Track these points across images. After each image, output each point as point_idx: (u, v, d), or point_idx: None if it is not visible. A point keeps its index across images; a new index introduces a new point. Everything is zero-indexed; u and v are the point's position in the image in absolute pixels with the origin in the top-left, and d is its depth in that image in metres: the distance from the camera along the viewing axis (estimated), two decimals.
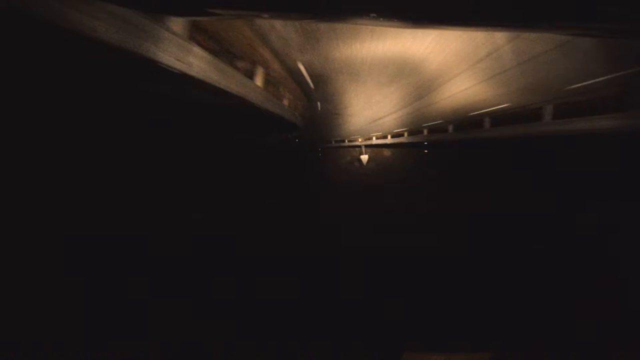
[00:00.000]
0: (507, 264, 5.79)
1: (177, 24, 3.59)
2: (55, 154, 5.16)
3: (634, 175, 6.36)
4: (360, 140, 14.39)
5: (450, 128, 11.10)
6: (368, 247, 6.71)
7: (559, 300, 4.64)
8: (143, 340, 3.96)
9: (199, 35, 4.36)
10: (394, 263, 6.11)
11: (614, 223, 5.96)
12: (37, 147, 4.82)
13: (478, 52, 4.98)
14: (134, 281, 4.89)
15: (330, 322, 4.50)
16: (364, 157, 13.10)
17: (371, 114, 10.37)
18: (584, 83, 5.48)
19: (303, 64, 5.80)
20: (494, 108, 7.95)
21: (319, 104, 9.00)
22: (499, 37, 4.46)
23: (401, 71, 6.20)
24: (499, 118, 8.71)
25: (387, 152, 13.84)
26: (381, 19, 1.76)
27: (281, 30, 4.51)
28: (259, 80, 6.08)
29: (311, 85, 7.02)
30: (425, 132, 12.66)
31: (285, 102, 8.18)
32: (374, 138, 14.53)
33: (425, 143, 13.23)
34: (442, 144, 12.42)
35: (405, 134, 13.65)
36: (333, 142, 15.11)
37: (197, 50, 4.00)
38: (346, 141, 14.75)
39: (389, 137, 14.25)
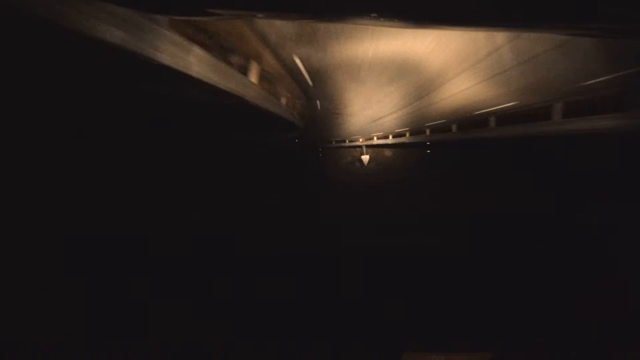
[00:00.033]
0: (508, 263, 5.79)
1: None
2: (55, 154, 5.16)
3: (634, 175, 6.36)
4: (361, 140, 14.37)
5: (454, 128, 11.05)
6: (368, 247, 6.71)
7: (560, 300, 4.64)
8: (143, 340, 3.96)
9: (188, 29, 4.23)
10: (395, 263, 6.11)
11: (614, 223, 5.96)
12: (37, 147, 4.82)
13: (488, 45, 4.90)
14: (134, 281, 4.89)
15: (331, 322, 4.50)
16: (365, 158, 13.04)
17: (372, 113, 10.36)
18: (584, 83, 5.48)
19: (300, 60, 5.61)
20: (500, 107, 7.86)
21: (318, 102, 8.90)
22: (504, 33, 4.42)
23: (402, 69, 6.16)
24: (504, 117, 8.63)
25: (388, 152, 13.81)
26: (382, 19, 1.76)
27: (276, 23, 4.47)
28: (253, 76, 5.88)
29: (310, 82, 6.84)
30: (428, 132, 12.64)
31: (283, 100, 8.02)
32: (375, 138, 14.48)
33: (428, 143, 13.18)
34: (445, 144, 12.39)
35: (407, 134, 13.61)
36: (333, 143, 15.07)
37: (197, 50, 4.00)
38: (347, 141, 14.73)
39: (391, 137, 14.19)
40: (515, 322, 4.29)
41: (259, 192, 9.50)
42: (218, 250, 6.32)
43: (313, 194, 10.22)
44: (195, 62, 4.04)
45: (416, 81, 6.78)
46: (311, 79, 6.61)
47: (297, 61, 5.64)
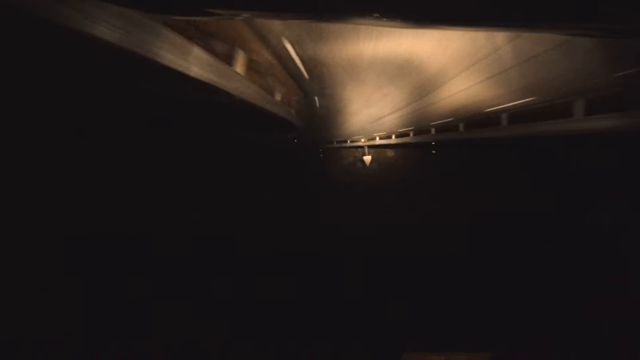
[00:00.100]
0: (513, 263, 5.78)
1: None
2: (55, 154, 5.16)
3: (635, 174, 6.35)
4: (363, 140, 14.07)
5: (461, 126, 10.69)
6: (369, 247, 6.71)
7: (566, 299, 4.64)
8: (143, 340, 3.96)
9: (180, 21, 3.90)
10: (395, 263, 6.11)
11: (617, 222, 5.95)
12: (37, 146, 4.82)
13: (494, 41, 4.80)
14: (134, 281, 4.89)
15: (331, 322, 4.50)
16: (367, 158, 12.89)
17: (373, 112, 10.12)
18: (585, 83, 5.48)
19: (293, 48, 5.04)
20: (515, 103, 7.50)
21: (316, 99, 8.51)
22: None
23: (404, 65, 5.98)
24: (517, 115, 8.25)
25: (390, 153, 13.72)
26: (384, 19, 1.76)
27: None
28: (239, 67, 5.28)
29: (305, 75, 6.27)
30: (433, 131, 12.35)
31: (278, 96, 7.47)
32: (377, 138, 14.26)
33: (433, 143, 12.92)
34: (452, 144, 12.06)
35: (411, 134, 13.38)
36: (334, 143, 14.86)
37: (196, 50, 4.01)
38: (348, 141, 14.40)
39: (394, 137, 13.97)
40: (517, 322, 4.29)
41: (260, 192, 9.50)
42: (218, 249, 6.31)
43: (314, 194, 10.21)
44: (195, 61, 4.05)
45: (419, 77, 6.56)
46: (306, 70, 6.01)
47: (288, 47, 5.01)
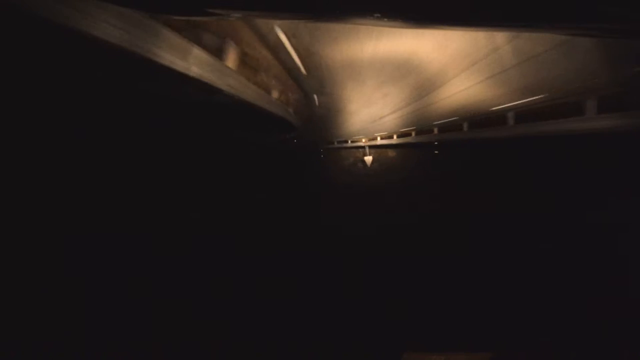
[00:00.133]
0: (513, 263, 5.78)
1: None
2: (55, 154, 5.16)
3: (636, 174, 6.35)
4: (364, 140, 13.90)
5: (465, 126, 10.49)
6: (369, 247, 6.71)
7: (567, 299, 4.64)
8: (143, 340, 3.96)
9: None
10: (395, 263, 6.11)
11: (622, 222, 5.94)
12: (37, 146, 4.82)
13: (494, 41, 4.75)
14: (134, 281, 4.89)
15: (331, 322, 4.50)
16: (368, 159, 12.79)
17: (374, 111, 9.92)
18: (585, 83, 5.48)
19: (288, 40, 4.69)
20: (521, 102, 7.26)
21: (316, 97, 8.22)
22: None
23: (405, 65, 5.88)
24: (524, 114, 7.94)
25: (391, 153, 13.65)
26: (385, 19, 1.76)
27: None
28: (231, 61, 4.88)
29: (303, 71, 5.91)
30: (436, 130, 12.16)
31: (275, 94, 7.10)
32: (378, 138, 14.10)
33: (436, 143, 12.71)
34: (455, 144, 11.81)
35: (413, 134, 13.23)
36: (335, 143, 14.73)
37: (196, 50, 4.01)
38: (349, 142, 14.23)
39: (395, 137, 13.82)
40: (520, 322, 4.29)
41: (260, 192, 9.49)
42: (218, 249, 6.31)
43: (314, 195, 10.21)
44: (194, 61, 4.05)
45: (420, 77, 6.48)
46: (304, 66, 5.65)
47: (284, 41, 4.67)
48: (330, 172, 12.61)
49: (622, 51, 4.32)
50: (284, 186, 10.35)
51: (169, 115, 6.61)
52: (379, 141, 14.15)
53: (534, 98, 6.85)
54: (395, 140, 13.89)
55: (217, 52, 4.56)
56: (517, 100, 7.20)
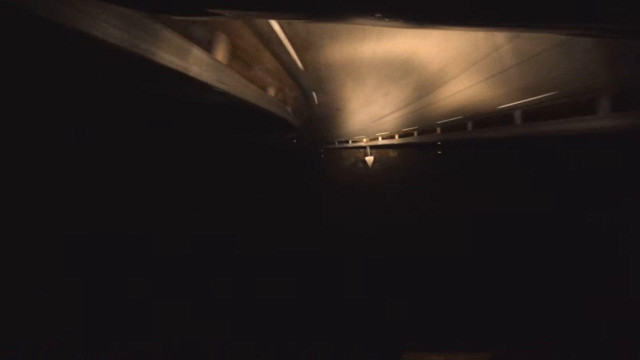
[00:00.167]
0: (513, 263, 5.78)
1: None
2: (55, 154, 5.15)
3: (636, 174, 6.35)
4: (365, 140, 13.75)
5: (470, 125, 10.24)
6: (370, 248, 6.71)
7: (567, 299, 4.63)
8: (143, 340, 3.96)
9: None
10: (396, 263, 6.11)
11: (622, 222, 5.94)
12: (37, 146, 4.82)
13: (494, 41, 4.70)
14: (134, 281, 4.89)
15: (331, 322, 4.50)
16: (369, 159, 12.68)
17: (375, 110, 9.80)
18: (585, 83, 5.48)
19: (282, 30, 4.30)
20: (524, 101, 7.00)
21: (315, 95, 7.87)
22: None
23: (405, 64, 5.77)
24: (533, 113, 7.65)
25: (393, 153, 13.55)
26: (386, 19, 1.76)
27: None
28: (220, 53, 4.42)
29: (300, 65, 5.47)
30: (439, 130, 11.90)
31: (271, 91, 6.65)
32: (379, 138, 13.94)
33: (439, 143, 12.38)
34: (459, 144, 11.45)
35: (415, 133, 13.00)
36: (336, 143, 14.31)
37: (195, 50, 4.00)
38: (350, 142, 14.09)
39: (397, 136, 13.61)
40: (520, 322, 4.29)
41: (260, 192, 9.49)
42: (218, 249, 6.31)
43: (315, 195, 10.20)
44: (194, 62, 4.05)
45: (420, 76, 6.40)
46: (300, 60, 5.19)
47: (277, 31, 4.30)
48: (331, 173, 12.58)
49: (622, 51, 4.32)
50: (284, 186, 10.34)
51: (169, 115, 6.61)
52: (380, 141, 14.04)
53: (535, 98, 6.85)
54: (397, 140, 13.74)
55: (207, 44, 4.29)
56: (517, 100, 7.19)
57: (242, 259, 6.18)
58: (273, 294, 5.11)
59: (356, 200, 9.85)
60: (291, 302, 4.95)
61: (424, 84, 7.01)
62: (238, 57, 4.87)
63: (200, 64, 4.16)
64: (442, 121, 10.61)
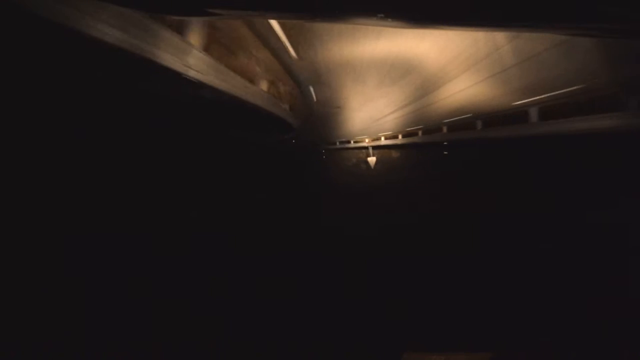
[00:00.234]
0: (512, 263, 5.78)
1: None
2: (55, 154, 5.16)
3: (636, 174, 6.36)
4: (367, 140, 13.38)
5: (479, 124, 9.84)
6: (370, 248, 6.71)
7: (567, 299, 4.64)
8: (143, 340, 3.96)
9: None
10: (396, 263, 6.11)
11: (622, 222, 5.93)
12: (37, 147, 4.82)
13: (495, 41, 4.61)
14: (134, 281, 4.89)
15: (332, 322, 4.50)
16: (372, 160, 12.49)
17: (377, 108, 9.50)
18: (585, 83, 5.48)
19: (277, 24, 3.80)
20: (525, 101, 6.71)
21: (312, 90, 7.32)
22: None
23: (405, 63, 5.65)
24: (550, 110, 7.33)
25: (396, 154, 13.37)
26: (387, 19, 1.76)
27: None
28: (195, 37, 3.77)
29: (292, 52, 4.73)
30: (445, 129, 11.45)
31: (263, 85, 6.03)
32: (382, 138, 13.51)
33: (445, 143, 11.93)
34: (466, 144, 10.96)
35: (420, 133, 12.59)
36: (337, 143, 13.99)
37: (195, 50, 4.00)
38: (352, 142, 13.73)
39: (400, 136, 13.14)
40: (520, 322, 4.29)
41: (260, 192, 9.49)
42: (218, 249, 6.32)
43: (315, 195, 10.20)
44: (194, 62, 4.04)
45: (421, 76, 6.30)
46: (292, 43, 4.44)
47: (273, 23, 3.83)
48: (332, 173, 12.54)
49: (622, 51, 4.32)
50: (284, 186, 10.34)
51: (169, 115, 6.61)
52: (383, 141, 13.69)
53: (535, 98, 6.85)
54: (400, 140, 13.35)
55: (179, 26, 3.72)
56: (517, 100, 7.20)
57: (242, 258, 6.18)
58: (273, 293, 5.11)
59: (356, 200, 9.85)
60: (291, 302, 4.95)
61: (424, 84, 7.00)
62: (219, 41, 4.19)
63: (200, 64, 4.16)
64: (448, 120, 10.33)
